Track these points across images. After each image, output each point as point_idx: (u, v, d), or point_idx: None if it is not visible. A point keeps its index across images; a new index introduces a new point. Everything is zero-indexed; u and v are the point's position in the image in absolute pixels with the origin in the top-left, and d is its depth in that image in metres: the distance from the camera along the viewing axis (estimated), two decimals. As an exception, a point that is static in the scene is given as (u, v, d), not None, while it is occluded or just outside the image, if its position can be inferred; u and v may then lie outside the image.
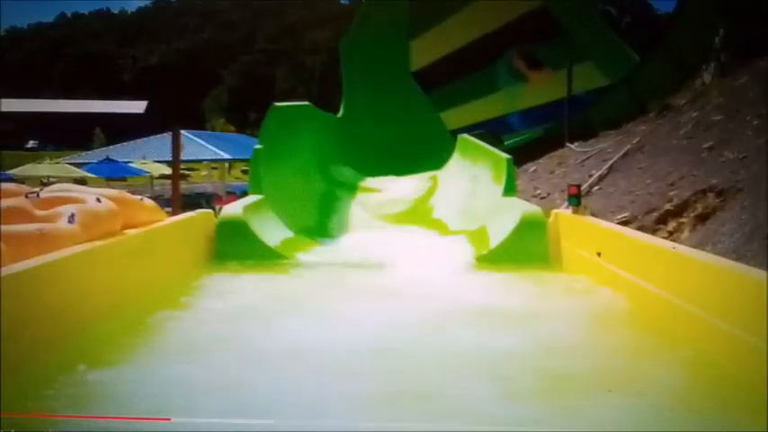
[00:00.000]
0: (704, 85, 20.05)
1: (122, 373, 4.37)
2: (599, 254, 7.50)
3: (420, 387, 4.24)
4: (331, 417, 3.76)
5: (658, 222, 12.89)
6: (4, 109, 77.07)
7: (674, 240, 11.02)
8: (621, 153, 17.86)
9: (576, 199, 9.15)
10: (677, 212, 12.84)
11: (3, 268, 4.51)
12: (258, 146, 12.29)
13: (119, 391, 4.04)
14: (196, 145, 41.48)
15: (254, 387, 4.19)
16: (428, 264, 8.80)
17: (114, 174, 37.60)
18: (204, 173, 53.34)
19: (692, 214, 12.52)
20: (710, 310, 4.88)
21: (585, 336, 5.44)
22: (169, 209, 12.02)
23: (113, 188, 10.41)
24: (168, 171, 31.70)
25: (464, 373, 4.58)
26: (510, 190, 10.92)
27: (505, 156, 11.60)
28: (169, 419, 3.33)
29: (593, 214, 11.91)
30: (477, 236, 10.03)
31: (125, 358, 4.69)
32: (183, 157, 21.97)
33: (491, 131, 22.91)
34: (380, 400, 4.06)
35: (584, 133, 22.34)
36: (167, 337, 5.32)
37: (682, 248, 6.22)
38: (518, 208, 9.67)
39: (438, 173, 15.59)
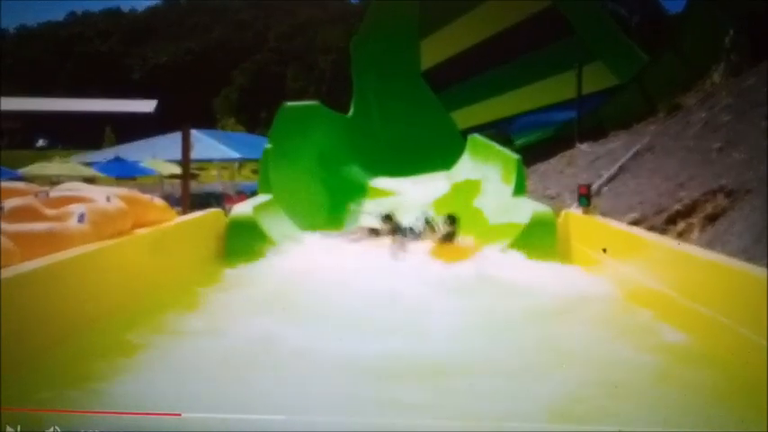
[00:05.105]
0: (713, 86, 20.01)
1: (131, 372, 4.39)
2: (604, 250, 7.52)
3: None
4: (341, 414, 3.76)
5: (668, 223, 12.87)
6: (13, 107, 77.23)
7: (683, 241, 11.00)
8: (631, 153, 17.83)
9: (585, 199, 9.16)
10: (686, 213, 12.81)
11: (13, 267, 4.53)
12: (268, 145, 12.30)
13: (128, 389, 4.06)
14: (206, 144, 41.40)
15: (264, 387, 4.21)
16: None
17: (124, 173, 37.59)
18: (214, 172, 53.33)
19: (701, 215, 12.49)
20: (720, 308, 4.89)
21: (592, 340, 5.43)
22: (179, 208, 12.04)
23: (123, 187, 10.44)
24: (178, 170, 31.77)
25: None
26: (520, 190, 10.94)
27: (515, 156, 11.62)
28: (179, 415, 3.32)
29: (603, 214, 11.91)
30: (488, 235, 10.03)
31: (134, 357, 4.70)
32: (192, 156, 21.95)
33: (501, 131, 22.94)
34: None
35: (594, 133, 22.32)
36: (177, 336, 5.33)
37: (695, 249, 6.24)
38: (528, 208, 9.68)
39: (448, 173, 15.60)
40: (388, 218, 9.98)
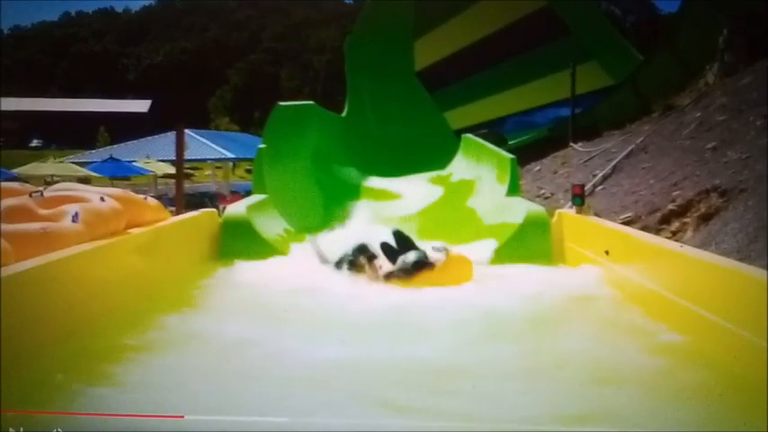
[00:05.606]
0: (708, 86, 20.06)
1: (128, 372, 4.38)
2: (607, 252, 7.50)
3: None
4: (342, 416, 3.76)
5: (662, 222, 12.88)
6: (8, 108, 77.15)
7: (677, 240, 11.01)
8: (625, 153, 17.85)
9: (579, 199, 9.14)
10: (681, 213, 12.82)
11: (7, 267, 4.52)
12: (262, 145, 12.27)
13: (126, 389, 4.05)
14: (200, 144, 41.42)
15: (262, 388, 4.20)
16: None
17: (118, 173, 37.60)
18: (208, 172, 53.36)
19: (695, 214, 12.50)
20: (719, 309, 4.89)
21: (592, 338, 5.43)
22: (173, 208, 12.01)
23: (117, 187, 10.41)
24: (172, 170, 31.75)
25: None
26: (514, 190, 10.91)
27: (509, 156, 11.59)
28: (182, 417, 3.30)
29: (597, 214, 11.92)
30: (482, 236, 10.02)
31: (130, 357, 4.69)
32: (186, 156, 21.93)
33: (494, 131, 22.97)
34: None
35: (588, 133, 22.37)
36: (172, 336, 5.31)
37: (686, 248, 6.24)
38: (522, 208, 9.67)
39: (442, 173, 15.58)
40: (362, 251, 7.99)
